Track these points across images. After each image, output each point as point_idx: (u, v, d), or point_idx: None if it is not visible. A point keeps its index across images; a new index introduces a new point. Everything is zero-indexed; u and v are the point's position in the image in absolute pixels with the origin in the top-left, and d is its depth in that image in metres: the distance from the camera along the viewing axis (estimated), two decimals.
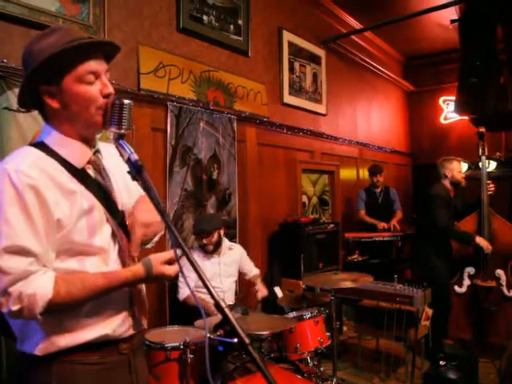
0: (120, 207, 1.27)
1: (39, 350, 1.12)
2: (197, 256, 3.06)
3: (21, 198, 1.04)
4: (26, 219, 1.05)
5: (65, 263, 1.13)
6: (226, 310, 1.00)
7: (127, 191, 1.32)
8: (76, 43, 1.09)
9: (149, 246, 1.38)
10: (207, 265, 3.04)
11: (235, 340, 0.97)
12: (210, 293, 1.01)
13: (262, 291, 3.07)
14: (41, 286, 1.05)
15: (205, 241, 2.99)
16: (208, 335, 0.97)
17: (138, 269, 1.17)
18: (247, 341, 0.97)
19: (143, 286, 1.34)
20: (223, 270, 3.10)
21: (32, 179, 1.06)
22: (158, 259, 1.18)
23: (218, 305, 0.99)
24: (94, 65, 1.14)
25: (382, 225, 5.04)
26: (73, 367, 1.13)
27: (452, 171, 3.71)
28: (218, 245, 3.07)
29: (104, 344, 1.18)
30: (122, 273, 1.17)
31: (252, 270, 3.27)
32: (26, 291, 1.03)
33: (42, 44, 1.11)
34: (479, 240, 3.43)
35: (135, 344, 1.29)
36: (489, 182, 3.61)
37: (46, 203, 1.07)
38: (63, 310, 1.12)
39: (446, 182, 3.73)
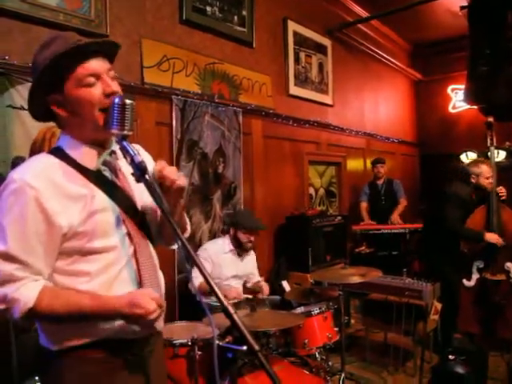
0: (139, 208, 1.25)
1: (51, 345, 1.16)
2: (221, 244, 3.07)
3: (19, 206, 1.06)
4: (19, 228, 1.06)
5: (73, 264, 1.14)
6: (235, 317, 0.98)
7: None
8: (62, 50, 1.07)
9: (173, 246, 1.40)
10: (226, 258, 3.03)
11: (244, 347, 0.95)
12: (217, 298, 0.99)
13: (266, 288, 3.03)
14: (25, 294, 1.06)
15: (246, 239, 3.00)
16: (216, 342, 0.95)
17: (122, 299, 1.13)
18: (257, 348, 0.95)
19: (162, 282, 1.30)
20: (241, 272, 3.10)
21: (33, 189, 1.06)
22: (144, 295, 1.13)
23: (226, 311, 0.97)
24: (92, 65, 1.12)
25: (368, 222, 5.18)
26: (83, 363, 1.14)
27: (478, 177, 3.51)
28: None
29: (115, 343, 1.17)
30: (111, 300, 1.13)
31: (257, 276, 3.24)
32: (11, 295, 1.06)
33: (42, 56, 1.13)
34: (489, 237, 3.36)
35: (151, 345, 1.26)
36: (500, 187, 3.50)
37: (46, 213, 1.07)
38: (45, 320, 1.14)
39: (470, 187, 3.56)
